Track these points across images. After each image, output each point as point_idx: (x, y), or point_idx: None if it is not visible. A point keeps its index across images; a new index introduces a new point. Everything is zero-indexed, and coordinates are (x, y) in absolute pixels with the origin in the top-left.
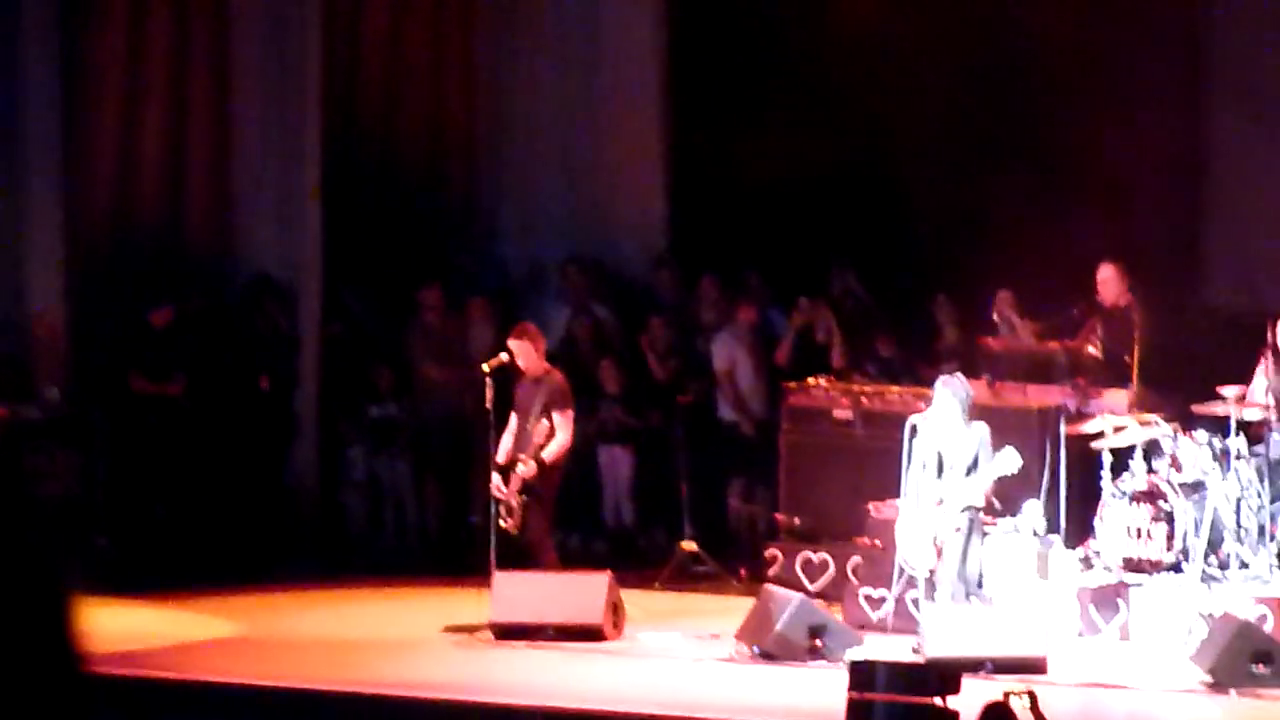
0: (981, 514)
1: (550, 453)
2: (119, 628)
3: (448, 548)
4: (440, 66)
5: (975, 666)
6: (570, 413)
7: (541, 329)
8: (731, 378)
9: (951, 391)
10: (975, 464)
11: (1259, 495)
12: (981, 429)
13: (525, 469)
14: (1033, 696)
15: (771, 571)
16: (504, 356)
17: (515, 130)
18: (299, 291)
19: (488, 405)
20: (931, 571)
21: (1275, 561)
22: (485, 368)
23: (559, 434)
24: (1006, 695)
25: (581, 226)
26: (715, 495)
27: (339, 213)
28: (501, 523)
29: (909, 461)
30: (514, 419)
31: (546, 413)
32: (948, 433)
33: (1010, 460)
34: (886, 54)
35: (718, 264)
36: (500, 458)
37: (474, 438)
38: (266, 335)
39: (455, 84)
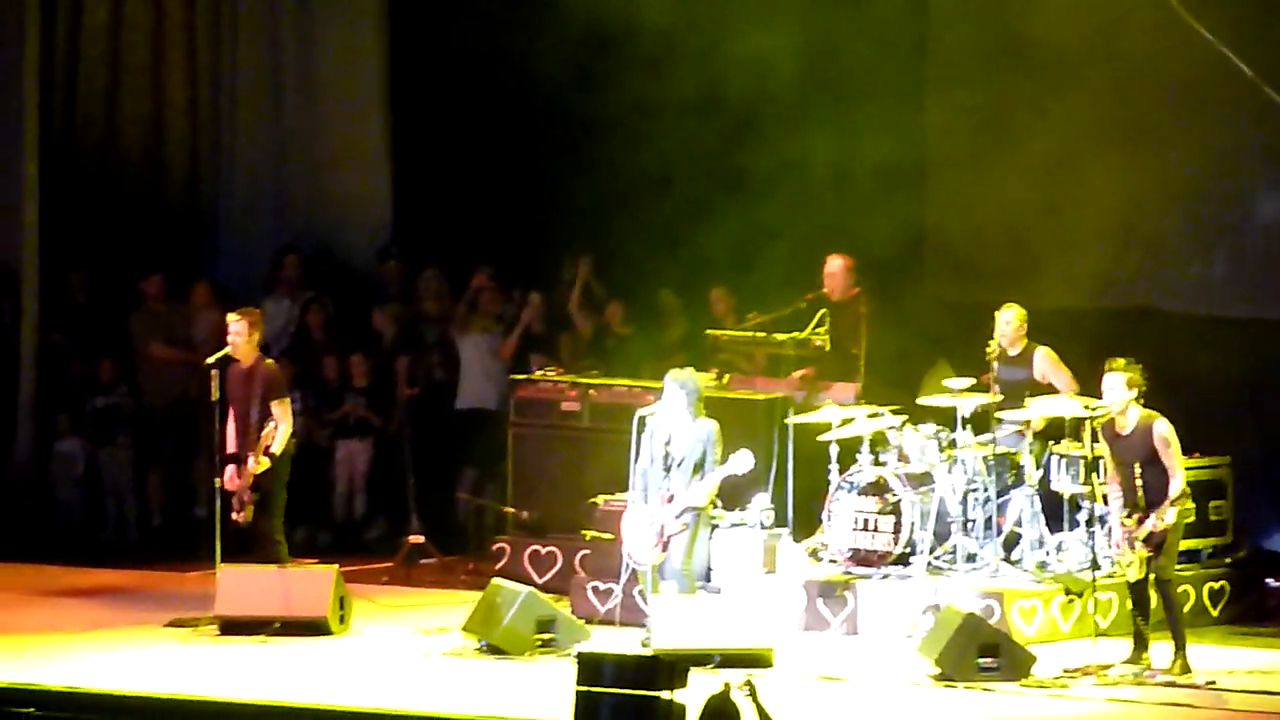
0: (708, 510)
1: (278, 444)
2: None
3: (171, 541)
4: (161, 57)
5: (703, 660)
6: (288, 400)
7: (263, 319)
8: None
9: (679, 385)
10: (704, 460)
11: (985, 488)
12: (710, 425)
13: (257, 465)
14: (752, 687)
15: (499, 564)
16: (228, 348)
17: (237, 121)
18: (18, 283)
19: (213, 398)
20: (657, 566)
21: (1001, 554)
22: (209, 361)
23: (281, 424)
24: (727, 686)
25: (305, 218)
26: (446, 488)
27: (58, 203)
28: (233, 515)
29: (636, 455)
30: (230, 410)
31: (264, 403)
32: (676, 427)
33: (743, 462)
34: (603, 52)
35: (443, 256)
36: (229, 449)
37: (198, 428)
38: None
39: (176, 74)
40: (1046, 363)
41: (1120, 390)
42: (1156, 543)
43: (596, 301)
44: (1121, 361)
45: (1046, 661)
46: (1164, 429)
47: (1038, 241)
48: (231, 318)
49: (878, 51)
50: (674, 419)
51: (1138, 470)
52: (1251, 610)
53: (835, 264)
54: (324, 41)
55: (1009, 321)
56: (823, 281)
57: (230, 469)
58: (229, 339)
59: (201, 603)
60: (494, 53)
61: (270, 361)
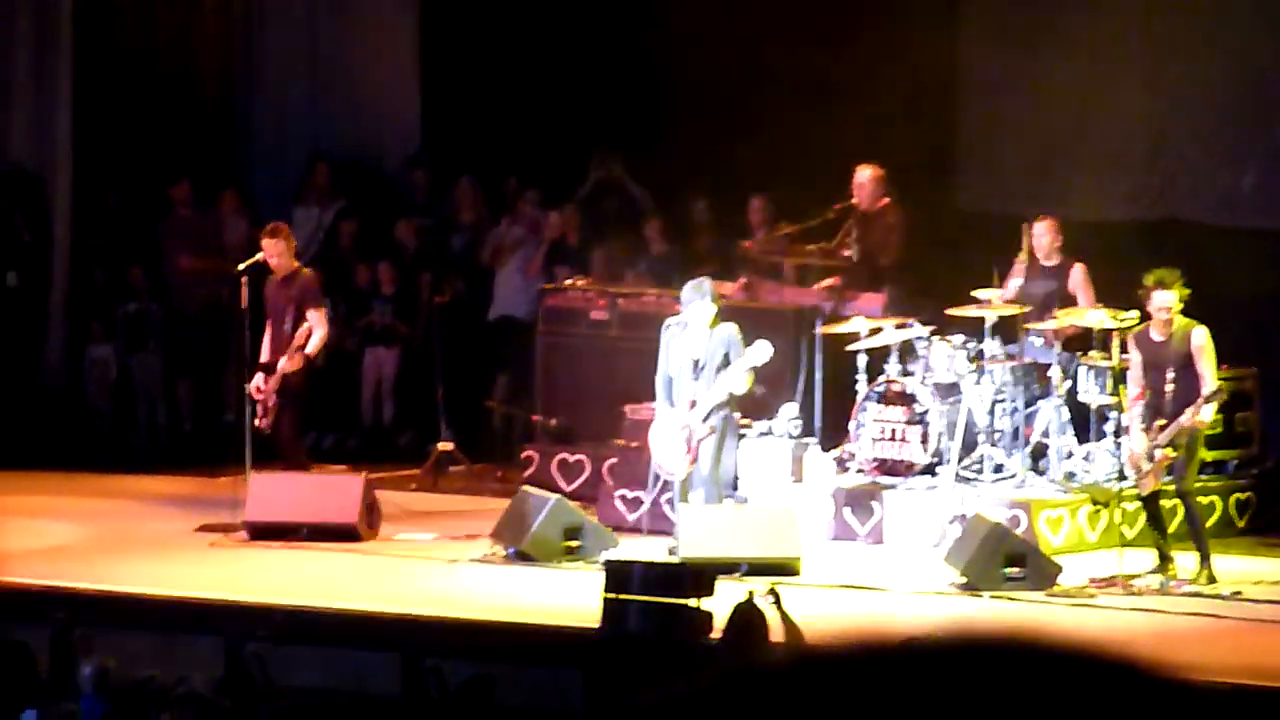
0: (736, 415)
1: (313, 348)
2: None
3: (201, 446)
4: None
5: (730, 568)
6: (325, 309)
7: (292, 227)
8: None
9: (696, 291)
10: (726, 363)
11: (1013, 398)
12: (729, 328)
13: (290, 365)
14: (777, 594)
15: (527, 472)
16: (259, 256)
17: (268, 28)
18: (52, 189)
19: (243, 305)
20: (685, 474)
21: (1029, 464)
22: (240, 268)
23: (316, 330)
24: (751, 595)
25: (335, 126)
26: (476, 396)
27: (91, 111)
28: (256, 421)
29: (663, 363)
30: (267, 319)
31: (300, 311)
32: (698, 335)
33: (762, 351)
34: None
35: (473, 164)
36: (263, 357)
37: (229, 335)
38: (16, 231)
39: None
40: (1081, 278)
41: (1172, 300)
42: (1183, 443)
43: (636, 203)
44: (1171, 272)
45: (1072, 572)
46: (1202, 336)
47: (1067, 153)
48: (266, 240)
49: None
50: (696, 327)
51: (1170, 376)
52: (1278, 521)
53: (864, 174)
54: None
55: (1045, 233)
56: (852, 192)
57: (259, 376)
58: (270, 261)
59: (231, 508)
60: None
61: (308, 270)
